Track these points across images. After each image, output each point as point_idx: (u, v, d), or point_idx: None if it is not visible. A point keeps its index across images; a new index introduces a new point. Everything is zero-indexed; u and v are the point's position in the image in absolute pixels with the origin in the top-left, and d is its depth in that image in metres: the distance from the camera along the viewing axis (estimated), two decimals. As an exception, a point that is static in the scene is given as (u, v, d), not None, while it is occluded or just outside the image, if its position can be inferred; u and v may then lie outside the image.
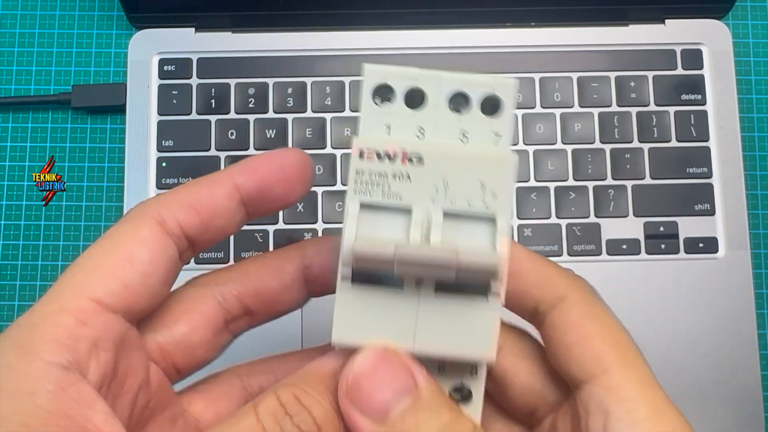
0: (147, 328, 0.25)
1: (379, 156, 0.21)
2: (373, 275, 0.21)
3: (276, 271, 0.26)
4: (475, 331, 0.21)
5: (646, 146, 0.47)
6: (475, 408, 0.23)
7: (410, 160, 0.21)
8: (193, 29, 0.48)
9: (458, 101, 0.22)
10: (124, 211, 0.46)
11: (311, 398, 0.21)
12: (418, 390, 0.21)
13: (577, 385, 0.23)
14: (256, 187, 0.24)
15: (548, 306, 0.24)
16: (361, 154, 0.21)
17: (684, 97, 0.48)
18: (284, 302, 0.26)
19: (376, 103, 0.22)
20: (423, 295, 0.21)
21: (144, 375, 0.24)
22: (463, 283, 0.21)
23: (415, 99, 0.22)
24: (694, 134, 0.47)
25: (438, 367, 0.23)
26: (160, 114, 0.47)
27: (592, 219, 0.46)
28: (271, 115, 0.47)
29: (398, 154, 0.21)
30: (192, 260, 0.45)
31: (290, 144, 0.47)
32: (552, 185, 0.47)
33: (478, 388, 0.23)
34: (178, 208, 0.23)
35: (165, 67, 0.48)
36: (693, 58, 0.48)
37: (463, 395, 0.23)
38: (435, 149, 0.21)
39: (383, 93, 0.22)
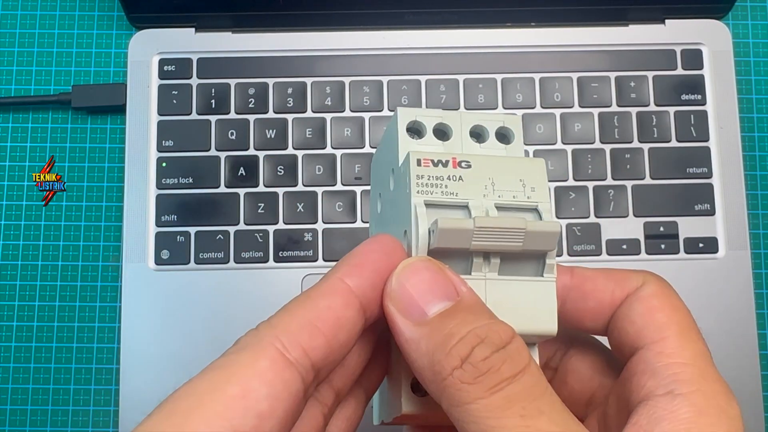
0: None
1: (434, 163, 0.24)
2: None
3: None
4: (537, 307, 0.24)
5: (646, 146, 0.47)
6: None
7: (461, 164, 0.24)
8: (193, 29, 0.48)
9: (476, 134, 0.26)
10: (124, 211, 0.46)
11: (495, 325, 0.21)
12: (459, 297, 0.21)
13: (633, 352, 0.23)
14: (371, 284, 0.22)
15: (624, 297, 0.24)
16: (418, 162, 0.24)
17: (684, 97, 0.48)
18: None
19: (410, 137, 0.25)
20: (489, 278, 0.23)
21: None
22: (524, 257, 0.24)
23: (441, 133, 0.25)
24: (694, 134, 0.47)
25: None
26: (160, 114, 0.47)
27: (592, 219, 0.46)
28: (271, 115, 0.47)
29: (450, 161, 0.24)
30: (192, 261, 0.45)
31: (290, 144, 0.47)
32: (552, 185, 0.47)
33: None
34: (299, 329, 0.20)
35: (165, 67, 0.48)
36: (693, 58, 0.48)
37: None
38: (480, 156, 0.24)
39: (413, 129, 0.25)
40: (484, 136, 0.26)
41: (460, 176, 0.24)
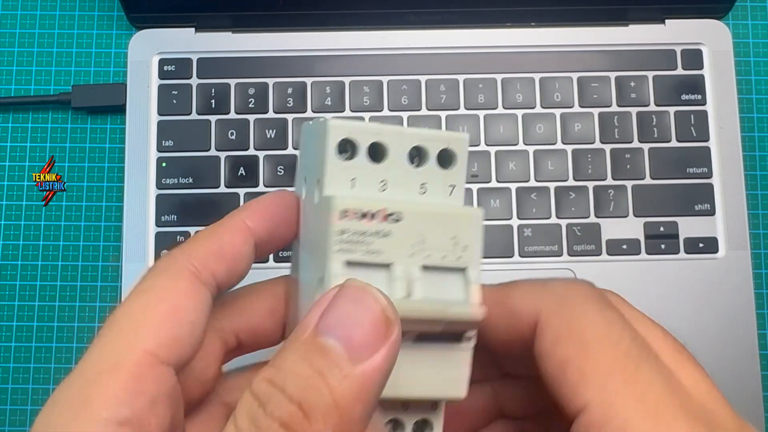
0: None
1: (360, 215, 0.21)
2: None
3: (270, 312, 0.26)
4: (451, 373, 0.23)
5: (646, 146, 0.47)
6: None
7: (390, 217, 0.22)
8: (193, 29, 0.48)
9: (417, 154, 0.23)
10: (124, 211, 0.46)
11: (284, 374, 0.19)
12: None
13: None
14: (267, 230, 0.25)
15: (528, 338, 0.23)
16: (343, 215, 0.21)
17: (684, 97, 0.48)
18: (274, 340, 0.27)
19: (340, 158, 0.22)
20: (402, 346, 0.21)
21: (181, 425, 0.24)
22: (442, 334, 0.22)
23: (377, 153, 0.23)
24: (694, 134, 0.47)
25: (402, 404, 0.23)
26: (160, 114, 0.47)
27: (592, 219, 0.46)
28: (271, 115, 0.47)
29: (378, 214, 0.22)
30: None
31: (290, 144, 0.47)
32: (552, 185, 0.47)
33: (438, 420, 0.24)
34: (208, 257, 0.24)
35: (165, 67, 0.48)
36: (693, 58, 0.48)
37: (424, 428, 0.24)
38: (412, 208, 0.22)
39: (346, 147, 0.22)
40: (424, 159, 0.23)
41: (388, 232, 0.22)
